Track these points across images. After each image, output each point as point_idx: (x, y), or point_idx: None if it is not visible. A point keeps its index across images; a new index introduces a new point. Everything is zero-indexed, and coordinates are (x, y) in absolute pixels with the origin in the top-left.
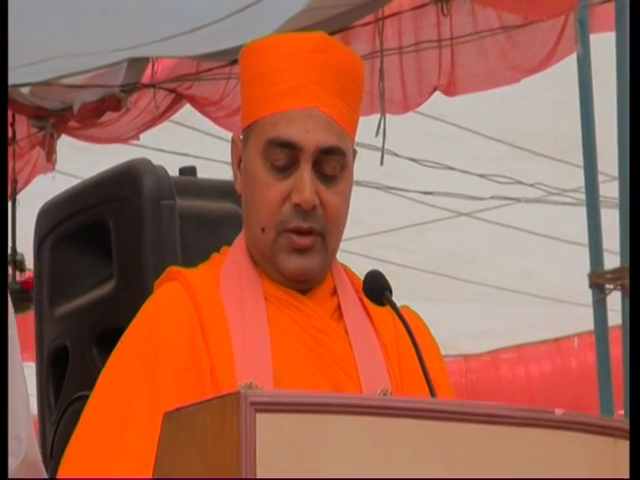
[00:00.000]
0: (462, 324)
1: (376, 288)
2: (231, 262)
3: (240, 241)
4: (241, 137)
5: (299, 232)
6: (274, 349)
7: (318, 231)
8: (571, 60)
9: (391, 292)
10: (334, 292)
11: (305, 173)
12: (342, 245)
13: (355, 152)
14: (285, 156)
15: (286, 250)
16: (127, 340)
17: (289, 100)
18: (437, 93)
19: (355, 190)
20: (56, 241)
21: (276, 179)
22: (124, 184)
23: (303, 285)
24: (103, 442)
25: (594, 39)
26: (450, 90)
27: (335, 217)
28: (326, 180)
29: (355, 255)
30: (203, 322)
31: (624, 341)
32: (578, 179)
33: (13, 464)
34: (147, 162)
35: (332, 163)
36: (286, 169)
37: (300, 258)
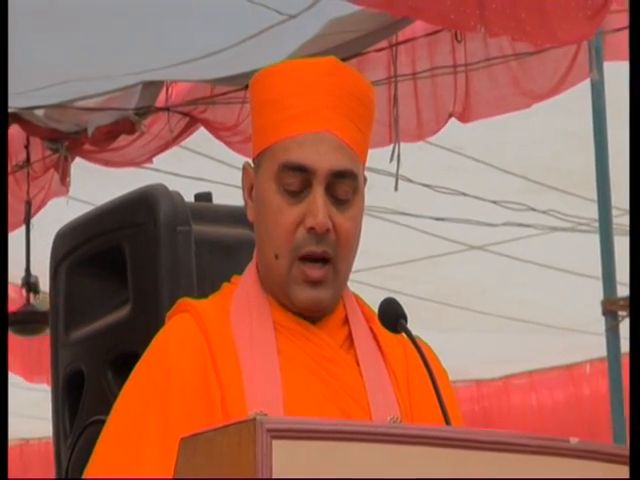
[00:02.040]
0: (474, 352)
1: (391, 315)
2: (241, 292)
3: (250, 270)
4: (252, 165)
5: (312, 258)
6: (284, 379)
7: (330, 257)
8: (585, 90)
9: (406, 320)
10: (345, 321)
11: (318, 196)
12: (354, 276)
13: (366, 179)
14: (298, 180)
15: (299, 282)
16: (139, 371)
17: (300, 125)
18: (451, 124)
19: (368, 220)
20: (72, 265)
21: (289, 204)
22: (140, 210)
23: (314, 314)
24: (116, 470)
25: (608, 67)
26: (464, 116)
27: (347, 242)
28: (339, 204)
29: (367, 286)
30: (213, 353)
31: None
32: (590, 212)
33: None
34: (163, 188)
35: (344, 187)
36: (299, 193)
37: (313, 290)
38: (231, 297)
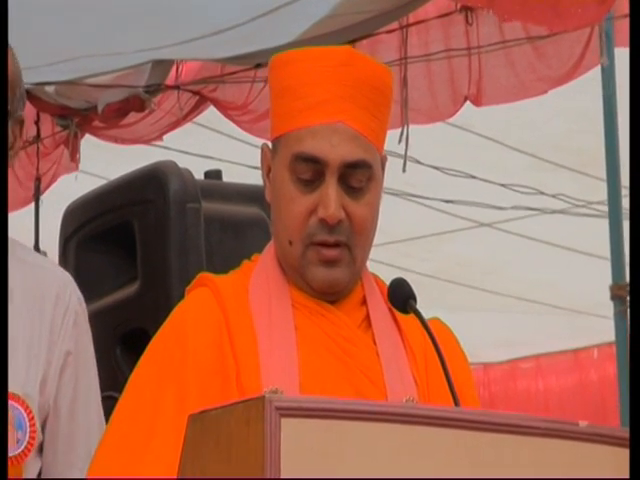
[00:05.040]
0: (482, 333)
1: (401, 296)
2: (260, 269)
3: (270, 249)
4: (270, 146)
5: (326, 245)
6: (300, 355)
7: (345, 243)
8: (595, 72)
9: (415, 300)
10: (363, 302)
11: (330, 188)
12: None
13: (385, 159)
14: (310, 171)
15: (314, 263)
16: (155, 344)
17: (314, 115)
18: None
19: None
20: (81, 241)
21: (302, 192)
22: (150, 186)
23: (331, 297)
24: (130, 445)
25: (618, 52)
26: (478, 100)
27: (362, 228)
28: (353, 192)
29: (376, 263)
30: (230, 327)
31: None
32: (600, 192)
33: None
34: (173, 165)
35: (358, 176)
36: (312, 183)
37: (328, 270)
38: (250, 274)
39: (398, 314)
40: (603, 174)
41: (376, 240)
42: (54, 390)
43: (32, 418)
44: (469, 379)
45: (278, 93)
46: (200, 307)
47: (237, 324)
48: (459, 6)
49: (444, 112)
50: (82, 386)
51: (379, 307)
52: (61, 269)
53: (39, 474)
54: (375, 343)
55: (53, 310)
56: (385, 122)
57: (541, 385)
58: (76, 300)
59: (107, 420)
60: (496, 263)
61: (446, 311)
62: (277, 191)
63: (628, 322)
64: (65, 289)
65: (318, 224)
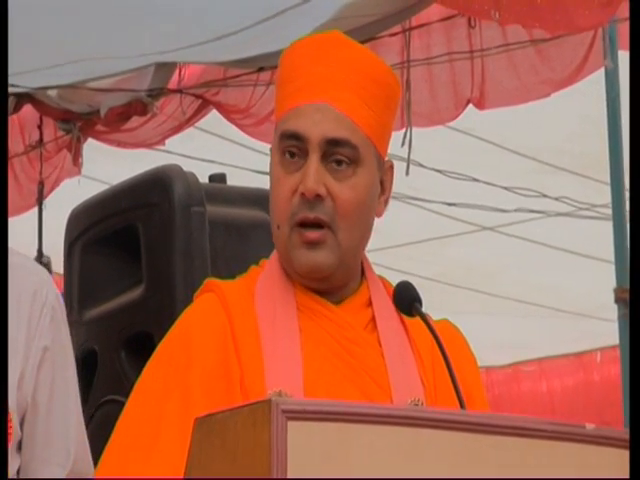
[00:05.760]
0: (484, 336)
1: (406, 299)
2: (267, 274)
3: (275, 253)
4: None
5: (306, 224)
6: (305, 358)
7: (327, 224)
8: (599, 75)
9: (421, 303)
10: (369, 303)
11: (310, 163)
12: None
13: (392, 165)
14: (295, 149)
15: (297, 246)
16: (161, 349)
17: (300, 96)
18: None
19: None
20: (86, 245)
21: (287, 173)
22: (155, 190)
23: (320, 284)
24: (136, 448)
25: (622, 55)
26: (481, 103)
27: (347, 211)
28: (336, 173)
29: (378, 267)
30: (235, 332)
31: None
32: (603, 195)
33: (59, 474)
34: (178, 168)
35: (341, 156)
36: (297, 163)
37: (311, 252)
38: (257, 279)
39: (405, 316)
40: (606, 177)
41: (379, 244)
42: (32, 386)
43: (9, 414)
44: (478, 381)
45: (277, 85)
46: (206, 312)
47: (242, 329)
48: None
49: (446, 115)
50: (59, 381)
51: (385, 308)
52: (41, 267)
53: (18, 471)
54: (381, 345)
55: (30, 307)
56: (381, 115)
57: (544, 388)
58: (53, 296)
59: (113, 423)
60: (499, 266)
61: (449, 314)
62: (270, 177)
63: None
64: (42, 286)
65: (299, 201)
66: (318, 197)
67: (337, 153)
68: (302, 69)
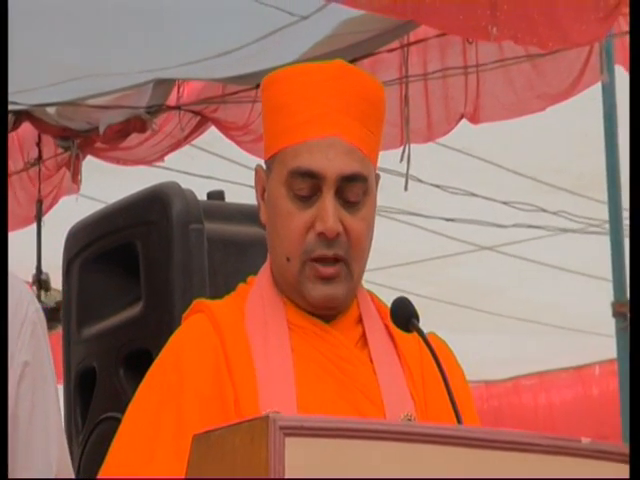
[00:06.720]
0: (484, 352)
1: (403, 315)
2: (256, 292)
3: (265, 270)
4: (264, 167)
5: (324, 261)
6: (297, 377)
7: (343, 258)
8: (596, 92)
9: (418, 319)
10: (359, 320)
11: (328, 201)
12: (365, 276)
13: (378, 177)
14: (308, 185)
15: (312, 279)
16: (154, 371)
17: (310, 130)
18: (461, 125)
19: (378, 220)
20: (85, 262)
21: (299, 208)
22: (153, 207)
23: (329, 312)
24: (130, 470)
25: (618, 70)
26: (475, 118)
27: (358, 243)
28: (349, 206)
29: (378, 286)
30: (227, 352)
31: None
32: (602, 214)
33: None
34: (176, 186)
35: (355, 190)
36: (309, 198)
37: (326, 286)
38: (246, 297)
39: (395, 331)
40: (603, 196)
41: (378, 263)
42: (13, 401)
43: None
44: (468, 395)
45: (271, 111)
46: (196, 334)
47: (234, 349)
48: None
49: (437, 131)
50: (40, 396)
51: (375, 325)
52: (22, 282)
53: None
54: (372, 361)
55: (11, 321)
56: (378, 136)
57: (543, 402)
58: (34, 311)
59: (111, 441)
60: (497, 285)
61: (448, 332)
62: (273, 209)
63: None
64: (22, 300)
65: (316, 239)
66: (337, 235)
67: (350, 188)
68: (308, 100)
